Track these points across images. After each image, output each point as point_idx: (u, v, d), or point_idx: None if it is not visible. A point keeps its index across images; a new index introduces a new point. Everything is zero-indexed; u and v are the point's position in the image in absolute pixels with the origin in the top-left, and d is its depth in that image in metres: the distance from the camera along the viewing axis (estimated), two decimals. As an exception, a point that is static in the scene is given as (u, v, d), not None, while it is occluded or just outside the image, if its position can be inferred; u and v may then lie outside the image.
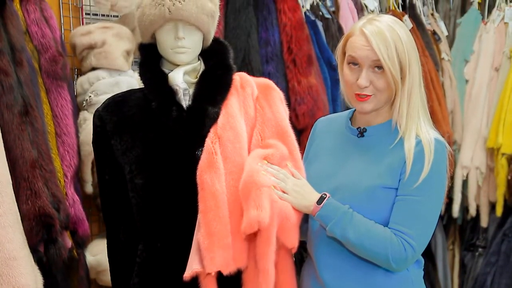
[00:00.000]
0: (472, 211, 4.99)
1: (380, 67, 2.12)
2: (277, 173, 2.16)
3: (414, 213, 2.09)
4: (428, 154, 2.10)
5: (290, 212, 2.13)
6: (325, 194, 2.14)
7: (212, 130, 2.20)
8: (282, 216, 2.10)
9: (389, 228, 2.09)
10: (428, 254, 5.01)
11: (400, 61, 2.11)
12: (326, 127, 2.41)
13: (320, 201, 2.13)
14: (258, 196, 2.05)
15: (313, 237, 2.27)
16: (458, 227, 5.39)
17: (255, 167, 2.12)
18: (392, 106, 2.18)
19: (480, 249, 5.12)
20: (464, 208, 5.14)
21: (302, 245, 2.32)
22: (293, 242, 2.15)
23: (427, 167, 2.09)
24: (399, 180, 2.11)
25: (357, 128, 2.26)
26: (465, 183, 4.99)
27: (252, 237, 2.10)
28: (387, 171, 2.12)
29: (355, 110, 2.31)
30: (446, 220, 5.28)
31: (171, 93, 2.22)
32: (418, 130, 2.15)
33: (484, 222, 4.99)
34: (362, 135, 2.24)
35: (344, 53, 2.22)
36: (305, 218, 2.28)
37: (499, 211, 4.79)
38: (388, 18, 2.18)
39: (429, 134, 2.15)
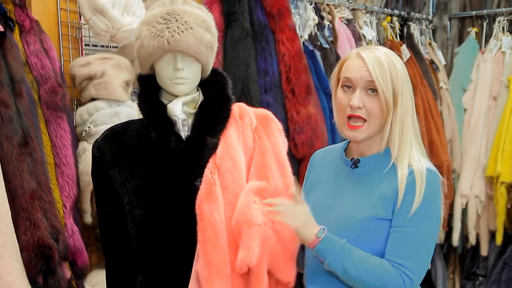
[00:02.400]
0: (472, 240, 4.98)
1: (373, 89, 2.13)
2: (282, 202, 2.14)
3: (410, 245, 2.08)
4: (420, 184, 2.10)
5: (282, 249, 2.13)
6: (324, 228, 2.13)
7: (211, 160, 2.20)
8: (274, 253, 2.11)
9: (386, 260, 2.08)
10: (429, 283, 4.99)
11: (393, 86, 2.12)
12: (322, 158, 2.41)
13: (319, 233, 2.12)
14: (248, 236, 2.06)
15: (306, 268, 2.27)
16: (458, 256, 5.38)
17: (247, 202, 2.12)
18: (383, 132, 2.18)
19: (480, 278, 5.10)
20: (464, 236, 5.13)
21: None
22: (288, 277, 2.16)
23: (418, 197, 2.09)
24: (393, 211, 2.11)
25: (351, 159, 2.25)
26: (464, 211, 4.99)
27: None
28: (380, 202, 2.11)
29: (350, 141, 2.32)
30: (446, 248, 5.27)
31: (170, 123, 2.23)
32: (411, 159, 2.16)
33: (484, 250, 4.98)
34: (356, 166, 2.23)
35: (338, 79, 2.23)
36: (301, 252, 2.29)
37: (499, 239, 4.78)
38: (384, 49, 2.21)
39: (421, 164, 2.15)
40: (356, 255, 2.08)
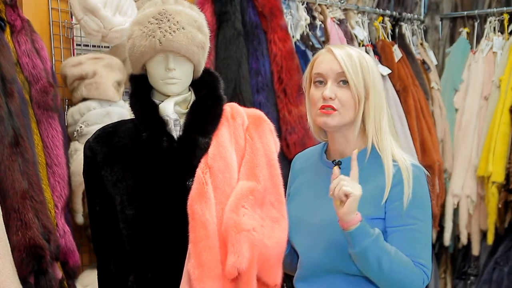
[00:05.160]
0: (464, 239, 4.99)
1: (344, 81, 2.15)
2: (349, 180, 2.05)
3: (421, 242, 2.11)
4: (407, 180, 2.12)
5: (270, 253, 2.13)
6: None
7: (202, 160, 2.20)
8: (263, 258, 2.11)
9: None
10: (420, 283, 4.99)
11: (364, 78, 2.15)
12: (303, 163, 2.42)
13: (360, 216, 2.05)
14: (238, 241, 2.06)
15: (299, 273, 2.27)
16: (450, 256, 5.39)
17: (235, 207, 2.12)
18: (354, 125, 2.18)
19: (472, 277, 5.12)
20: (456, 236, 5.14)
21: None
22: (275, 280, 2.17)
23: (407, 191, 2.11)
24: (385, 212, 2.12)
25: (333, 161, 2.25)
26: (456, 211, 5.00)
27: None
28: (368, 202, 2.10)
29: (328, 143, 2.32)
30: (437, 248, 5.28)
31: (161, 123, 2.22)
32: (394, 155, 2.17)
33: (475, 250, 5.00)
34: (339, 168, 2.23)
35: (310, 80, 2.25)
36: (289, 254, 2.31)
37: (490, 239, 4.79)
38: (355, 47, 2.25)
39: (406, 161, 2.17)
40: (390, 247, 2.07)
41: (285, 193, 2.32)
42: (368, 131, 2.18)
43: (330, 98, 2.14)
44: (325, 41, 4.40)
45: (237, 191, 2.16)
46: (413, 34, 5.34)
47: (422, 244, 2.12)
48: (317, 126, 2.27)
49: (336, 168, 2.07)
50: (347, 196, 1.99)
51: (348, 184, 2.00)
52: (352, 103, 2.15)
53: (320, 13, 4.48)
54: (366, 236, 2.03)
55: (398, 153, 2.18)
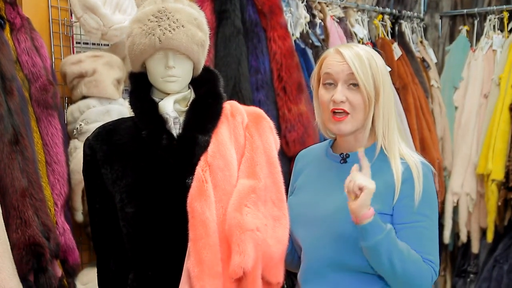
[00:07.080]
0: (463, 237, 4.99)
1: (355, 84, 2.14)
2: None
3: (429, 239, 2.14)
4: (417, 178, 2.13)
5: (273, 252, 2.14)
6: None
7: (202, 158, 2.20)
8: (266, 257, 2.11)
9: None
10: (420, 281, 4.99)
11: (374, 79, 2.14)
12: (307, 159, 2.41)
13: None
14: (242, 241, 2.06)
15: (302, 267, 2.27)
16: (449, 253, 5.38)
17: (238, 206, 2.12)
18: (367, 127, 2.19)
19: (471, 275, 5.11)
20: (455, 234, 5.14)
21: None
22: (278, 278, 2.18)
23: (418, 189, 2.11)
24: (393, 207, 2.12)
25: (340, 154, 2.25)
26: (455, 209, 5.00)
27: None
28: (376, 198, 2.09)
29: (334, 140, 2.32)
30: (437, 246, 5.28)
31: (161, 121, 2.22)
32: (402, 153, 2.17)
33: (475, 248, 4.99)
34: (345, 161, 2.23)
35: (319, 79, 2.24)
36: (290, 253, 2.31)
37: (489, 237, 4.79)
38: (363, 46, 2.24)
39: (414, 157, 2.18)
40: (401, 243, 2.06)
41: (286, 190, 2.32)
42: (378, 129, 2.18)
43: (341, 101, 2.14)
44: (325, 39, 4.40)
45: (239, 190, 2.16)
46: (412, 32, 5.33)
47: (430, 241, 2.14)
48: (326, 125, 2.27)
49: (355, 166, 2.05)
50: (361, 189, 1.99)
51: (362, 178, 2.00)
52: (363, 105, 2.15)
53: (320, 11, 4.47)
54: (378, 231, 2.02)
55: (406, 151, 2.19)
